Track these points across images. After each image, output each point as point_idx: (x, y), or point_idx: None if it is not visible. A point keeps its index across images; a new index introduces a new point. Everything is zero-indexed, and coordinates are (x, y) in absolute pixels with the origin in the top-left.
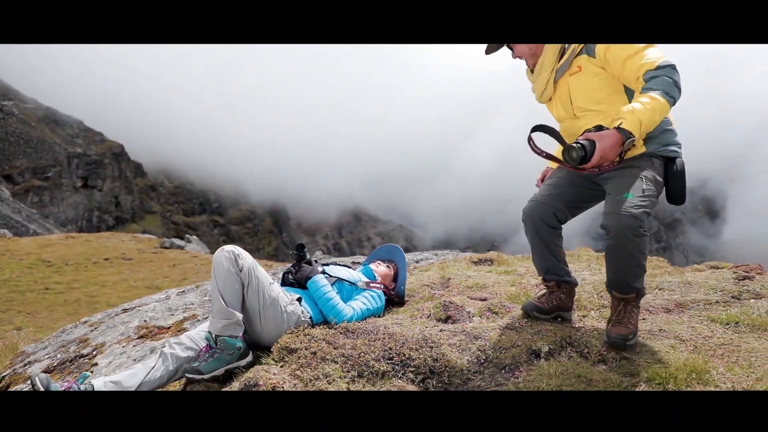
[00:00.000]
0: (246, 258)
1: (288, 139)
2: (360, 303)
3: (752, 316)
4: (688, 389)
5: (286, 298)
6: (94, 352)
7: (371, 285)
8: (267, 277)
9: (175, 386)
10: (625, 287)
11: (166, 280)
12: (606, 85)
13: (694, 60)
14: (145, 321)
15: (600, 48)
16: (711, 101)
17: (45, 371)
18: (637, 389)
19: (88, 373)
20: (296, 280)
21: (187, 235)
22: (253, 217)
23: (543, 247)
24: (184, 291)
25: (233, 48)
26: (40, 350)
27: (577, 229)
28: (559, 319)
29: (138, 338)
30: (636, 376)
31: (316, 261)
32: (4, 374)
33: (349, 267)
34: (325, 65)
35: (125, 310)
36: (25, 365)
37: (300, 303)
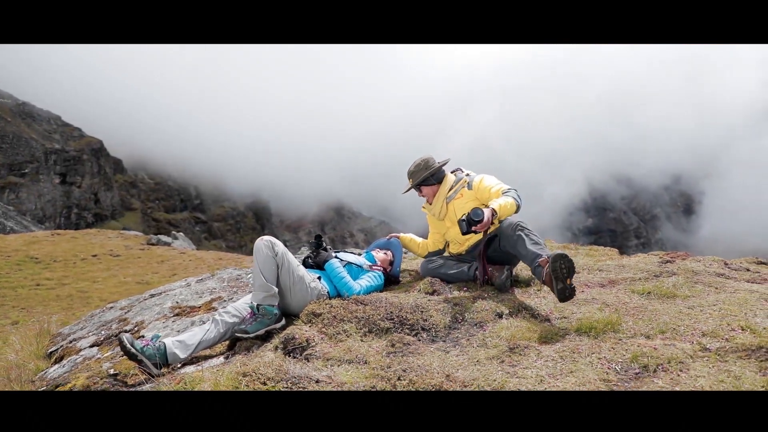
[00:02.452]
0: (280, 245)
1: (269, 135)
2: (365, 281)
3: (662, 288)
4: (604, 335)
5: (309, 277)
6: (136, 328)
7: (373, 267)
8: (295, 260)
9: (221, 348)
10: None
11: (156, 276)
12: (475, 205)
13: (674, 62)
14: (177, 302)
15: (474, 184)
16: (689, 101)
17: (93, 345)
18: (567, 336)
19: (159, 334)
20: (315, 263)
21: (173, 232)
22: (235, 214)
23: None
24: (202, 279)
25: (214, 44)
26: (77, 330)
27: (555, 221)
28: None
29: (174, 316)
30: (568, 327)
31: (330, 248)
32: (51, 350)
33: (354, 253)
34: (305, 62)
35: (153, 296)
36: (71, 342)
37: (320, 281)
